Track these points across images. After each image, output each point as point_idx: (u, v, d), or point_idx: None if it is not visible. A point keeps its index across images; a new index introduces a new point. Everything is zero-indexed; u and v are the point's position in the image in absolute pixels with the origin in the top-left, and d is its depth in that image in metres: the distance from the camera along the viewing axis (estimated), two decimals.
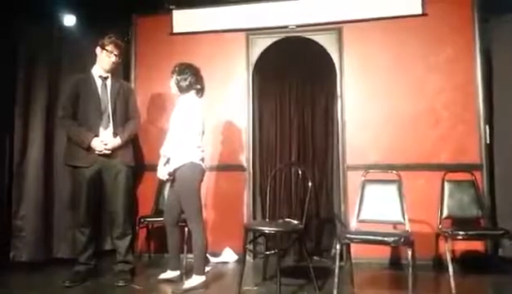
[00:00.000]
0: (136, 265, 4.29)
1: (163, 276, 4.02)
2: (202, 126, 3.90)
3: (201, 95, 4.02)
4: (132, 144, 4.25)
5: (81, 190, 3.91)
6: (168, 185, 4.32)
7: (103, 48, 4.00)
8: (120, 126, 4.03)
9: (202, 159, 3.88)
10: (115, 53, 4.03)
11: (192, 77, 3.93)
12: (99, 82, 4.02)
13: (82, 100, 3.97)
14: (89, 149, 3.88)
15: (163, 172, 3.93)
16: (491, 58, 4.67)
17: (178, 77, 3.93)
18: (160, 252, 4.96)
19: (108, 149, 3.91)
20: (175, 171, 3.82)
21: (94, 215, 4.00)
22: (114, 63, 4.05)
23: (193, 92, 3.93)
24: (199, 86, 3.97)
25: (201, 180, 3.88)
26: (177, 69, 3.97)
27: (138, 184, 5.07)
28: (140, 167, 4.84)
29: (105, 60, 4.02)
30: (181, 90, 3.93)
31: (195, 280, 3.73)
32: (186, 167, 3.77)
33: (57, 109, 4.38)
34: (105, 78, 4.05)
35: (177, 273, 4.02)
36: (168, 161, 3.91)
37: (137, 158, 4.52)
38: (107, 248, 4.72)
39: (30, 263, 4.42)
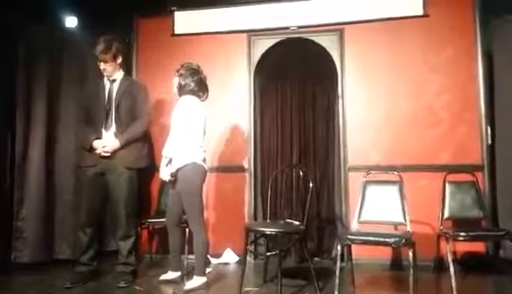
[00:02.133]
0: (138, 265, 4.28)
1: (164, 277, 4.02)
2: (203, 126, 3.90)
3: (203, 100, 4.02)
4: (142, 144, 4.14)
5: (83, 190, 3.93)
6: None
7: (98, 60, 3.99)
8: (125, 127, 3.99)
9: (204, 160, 3.88)
10: (100, 59, 3.94)
11: (196, 84, 3.93)
12: (107, 84, 4.04)
13: (93, 104, 4.03)
14: (91, 150, 3.90)
15: (165, 173, 3.93)
16: (493, 58, 4.67)
17: (182, 82, 3.93)
18: (162, 253, 4.98)
19: (106, 152, 3.91)
20: (177, 171, 3.82)
21: (97, 215, 4.00)
22: (105, 69, 3.98)
23: (194, 95, 3.93)
24: (200, 93, 3.97)
25: (203, 181, 3.88)
26: (182, 71, 3.96)
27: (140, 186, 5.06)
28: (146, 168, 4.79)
29: (101, 69, 4.01)
30: (182, 93, 3.94)
31: (196, 281, 3.73)
32: (189, 167, 3.76)
33: (60, 111, 4.65)
34: (113, 81, 4.05)
35: (179, 273, 4.02)
36: (170, 162, 3.91)
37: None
38: (109, 249, 4.73)
39: (31, 264, 4.42)
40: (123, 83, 4.07)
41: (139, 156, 4.06)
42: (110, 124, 3.98)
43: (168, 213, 4.05)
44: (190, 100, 3.89)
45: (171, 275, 4.02)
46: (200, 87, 3.98)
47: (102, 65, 3.98)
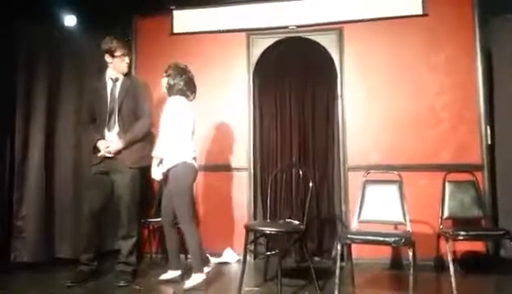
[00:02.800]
0: (138, 265, 4.28)
1: (164, 277, 4.01)
2: (192, 126, 3.92)
3: (192, 99, 4.02)
4: (145, 143, 4.12)
5: (86, 189, 3.96)
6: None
7: (113, 55, 3.99)
8: (128, 126, 4.01)
9: (194, 159, 3.90)
10: (124, 53, 4.03)
11: (184, 83, 3.94)
12: (109, 84, 4.04)
13: (96, 104, 4.03)
14: (95, 150, 3.95)
15: (157, 173, 3.94)
16: (492, 58, 4.67)
17: (171, 82, 3.94)
18: (162, 253, 4.97)
19: (109, 152, 3.91)
20: (168, 171, 3.83)
21: (98, 214, 3.99)
22: (128, 63, 4.08)
23: (182, 96, 3.94)
24: (188, 93, 3.98)
25: (194, 180, 3.90)
26: (170, 71, 3.97)
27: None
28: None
29: (120, 65, 4.02)
30: (171, 93, 3.95)
31: (195, 279, 3.73)
32: (179, 167, 3.79)
33: (60, 111, 4.69)
34: (116, 80, 4.05)
35: (178, 273, 4.01)
36: (161, 162, 3.91)
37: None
38: (110, 249, 4.72)
39: (31, 263, 4.42)
40: (125, 83, 4.08)
41: (142, 155, 4.05)
42: (113, 125, 3.99)
43: (163, 212, 4.04)
44: (178, 100, 3.91)
45: (171, 274, 4.01)
46: (189, 86, 3.99)
47: (127, 59, 4.04)
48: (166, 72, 3.99)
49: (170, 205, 3.91)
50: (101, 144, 3.92)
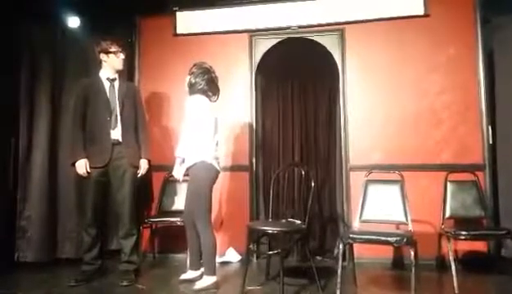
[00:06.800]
0: (141, 264, 4.30)
1: (184, 277, 3.99)
2: (214, 124, 3.91)
3: (215, 100, 4.04)
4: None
5: (88, 190, 3.95)
6: (176, 185, 4.46)
7: (107, 52, 4.04)
8: (128, 127, 4.06)
9: (216, 159, 3.89)
10: (120, 50, 4.09)
11: (206, 83, 3.94)
12: (107, 84, 4.06)
13: (91, 102, 4.01)
14: (73, 165, 3.94)
15: (178, 173, 3.95)
16: (494, 58, 4.67)
17: (192, 81, 3.95)
18: (164, 252, 4.98)
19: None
20: (188, 170, 3.84)
21: (101, 216, 4.03)
22: (124, 60, 4.13)
23: (203, 95, 3.94)
24: (210, 93, 3.98)
25: (213, 180, 3.87)
26: (193, 70, 3.99)
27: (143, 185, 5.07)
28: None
29: (115, 61, 4.08)
30: (191, 91, 3.96)
31: (207, 281, 3.73)
32: (198, 165, 3.78)
33: (63, 111, 4.69)
34: (113, 80, 4.09)
35: (199, 273, 3.96)
36: (183, 161, 3.92)
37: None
38: (113, 248, 4.74)
39: (35, 263, 4.44)
40: (122, 84, 4.14)
41: (139, 154, 4.14)
42: (116, 123, 4.01)
43: (185, 212, 4.02)
44: (197, 99, 3.90)
45: (191, 274, 3.98)
46: (210, 87, 3.99)
47: (122, 56, 4.11)
48: (190, 70, 4.01)
49: (190, 205, 3.91)
50: (80, 164, 3.89)
